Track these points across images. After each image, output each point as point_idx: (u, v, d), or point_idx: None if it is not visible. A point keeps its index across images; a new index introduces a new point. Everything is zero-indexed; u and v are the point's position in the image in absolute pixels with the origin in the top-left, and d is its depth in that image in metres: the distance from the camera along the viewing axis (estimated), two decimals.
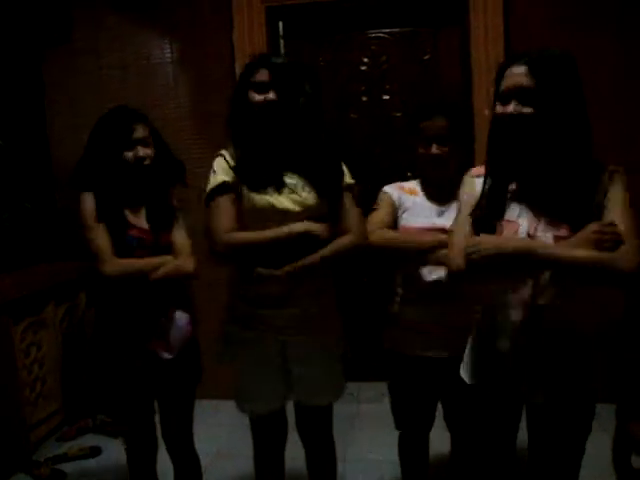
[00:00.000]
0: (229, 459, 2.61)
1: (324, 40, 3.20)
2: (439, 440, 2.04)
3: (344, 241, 1.67)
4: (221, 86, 3.07)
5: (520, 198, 1.38)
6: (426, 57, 3.14)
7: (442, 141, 1.76)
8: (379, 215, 1.85)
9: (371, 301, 3.12)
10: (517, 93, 1.29)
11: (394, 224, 1.85)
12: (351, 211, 1.72)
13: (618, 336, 2.32)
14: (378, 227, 1.81)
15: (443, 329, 1.78)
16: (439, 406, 1.95)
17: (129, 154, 1.74)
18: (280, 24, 3.17)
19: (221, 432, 2.87)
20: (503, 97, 1.32)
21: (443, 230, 1.71)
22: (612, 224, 1.26)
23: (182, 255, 1.82)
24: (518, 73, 1.30)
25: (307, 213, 1.66)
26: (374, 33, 3.17)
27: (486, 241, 1.31)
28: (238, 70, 3.00)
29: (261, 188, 1.65)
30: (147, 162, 1.77)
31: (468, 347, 1.57)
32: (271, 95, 1.62)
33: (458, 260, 1.35)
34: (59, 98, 3.25)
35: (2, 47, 3.02)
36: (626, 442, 2.14)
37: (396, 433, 2.01)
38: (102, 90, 3.17)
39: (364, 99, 3.22)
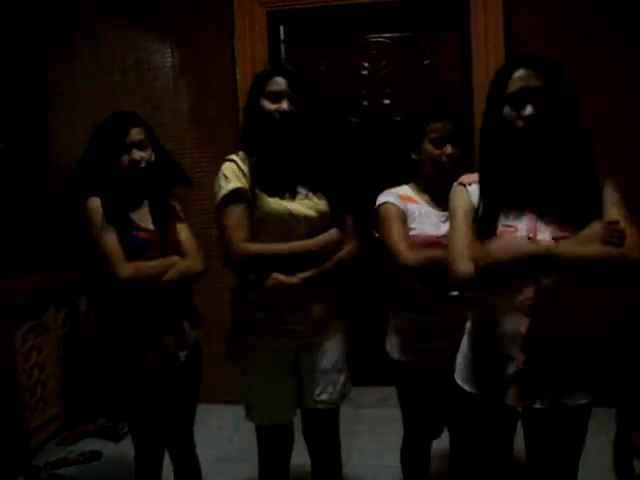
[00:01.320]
0: (229, 463, 2.60)
1: (325, 45, 3.20)
2: (438, 444, 2.03)
3: (345, 252, 1.74)
4: (221, 91, 3.08)
5: (516, 202, 1.38)
6: (426, 62, 3.14)
7: (454, 143, 1.76)
8: (401, 231, 1.76)
9: (372, 306, 3.11)
10: (531, 95, 1.30)
11: None
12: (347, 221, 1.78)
13: (618, 340, 2.32)
14: (408, 243, 1.72)
15: (442, 337, 1.76)
16: None
17: (125, 158, 1.75)
18: (281, 29, 3.18)
19: (221, 436, 2.86)
20: (514, 100, 1.32)
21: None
22: (615, 221, 1.30)
23: (191, 254, 1.83)
24: (527, 76, 1.31)
25: (321, 220, 1.70)
26: (374, 38, 3.17)
27: (499, 247, 1.31)
28: (239, 75, 3.02)
29: (278, 194, 1.67)
30: (142, 165, 1.77)
31: (463, 353, 1.55)
32: (284, 105, 1.64)
33: (465, 267, 1.34)
34: (60, 102, 3.25)
35: (3, 52, 3.02)
36: (627, 447, 2.13)
37: (397, 438, 2.01)
38: (102, 94, 3.17)
39: (365, 103, 3.22)
